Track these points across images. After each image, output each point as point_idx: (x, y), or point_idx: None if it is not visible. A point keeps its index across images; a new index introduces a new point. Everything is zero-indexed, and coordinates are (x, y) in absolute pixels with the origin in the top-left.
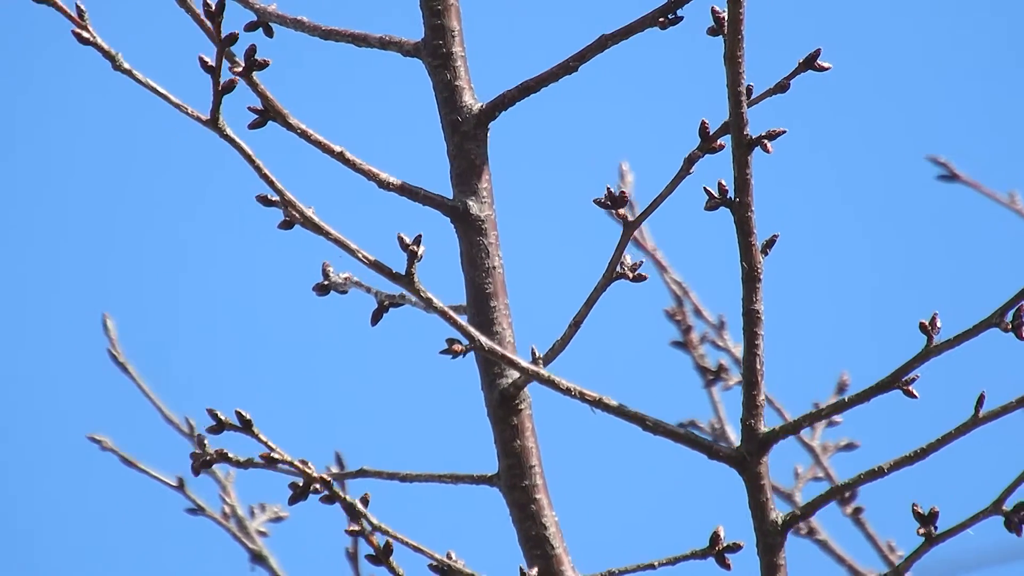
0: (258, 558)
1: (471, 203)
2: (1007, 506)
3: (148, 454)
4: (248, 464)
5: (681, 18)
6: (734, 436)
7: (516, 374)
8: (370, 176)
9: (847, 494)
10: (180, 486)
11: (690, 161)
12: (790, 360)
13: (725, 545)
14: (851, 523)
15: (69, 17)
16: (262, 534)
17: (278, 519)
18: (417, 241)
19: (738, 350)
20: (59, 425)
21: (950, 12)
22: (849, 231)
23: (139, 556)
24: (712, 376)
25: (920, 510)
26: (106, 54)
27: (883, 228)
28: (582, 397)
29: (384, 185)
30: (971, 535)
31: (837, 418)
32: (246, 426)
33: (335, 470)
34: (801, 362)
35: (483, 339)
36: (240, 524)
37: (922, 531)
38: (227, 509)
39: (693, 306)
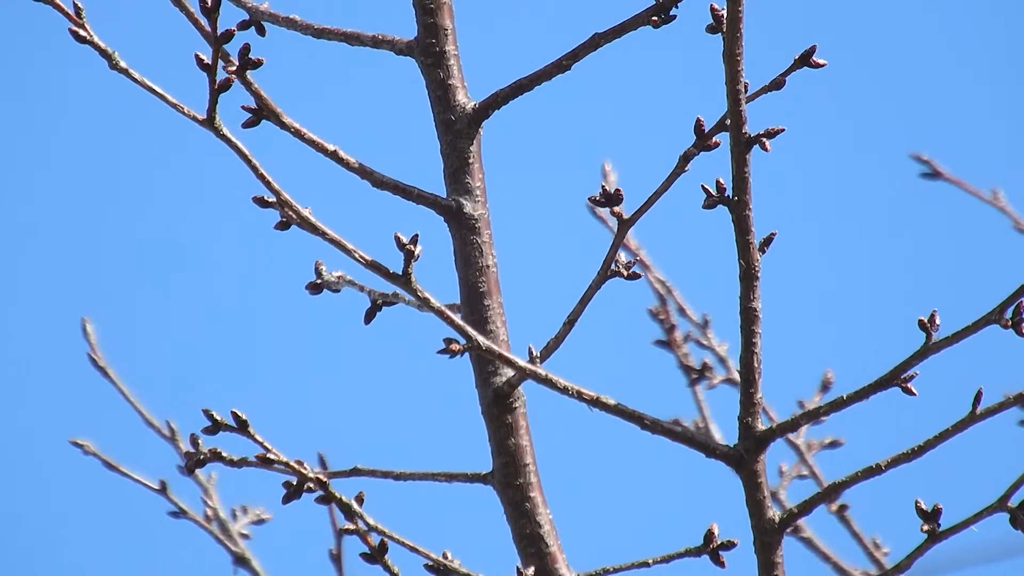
0: (241, 560)
1: (464, 202)
2: (1012, 502)
3: (130, 458)
4: (242, 463)
5: (674, 17)
6: (718, 435)
7: (510, 372)
8: (363, 175)
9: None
10: (162, 489)
11: (685, 158)
12: (768, 358)
13: (719, 543)
14: (836, 520)
15: (66, 15)
16: (244, 536)
17: (260, 521)
18: (414, 241)
19: (722, 349)
20: (41, 430)
21: (933, 12)
22: (827, 228)
23: (122, 559)
24: (696, 375)
25: (923, 507)
26: (103, 53)
27: (862, 225)
28: (579, 396)
29: (377, 184)
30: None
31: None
32: (242, 426)
33: (328, 471)
34: (781, 360)
35: (481, 338)
36: (222, 526)
37: (925, 528)
38: (209, 512)
39: (677, 305)
